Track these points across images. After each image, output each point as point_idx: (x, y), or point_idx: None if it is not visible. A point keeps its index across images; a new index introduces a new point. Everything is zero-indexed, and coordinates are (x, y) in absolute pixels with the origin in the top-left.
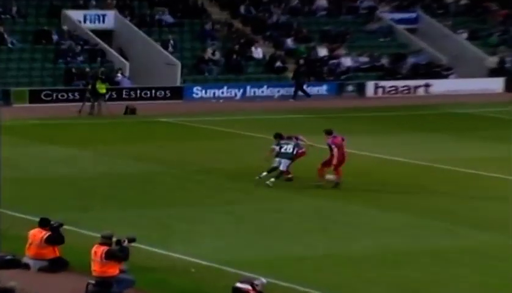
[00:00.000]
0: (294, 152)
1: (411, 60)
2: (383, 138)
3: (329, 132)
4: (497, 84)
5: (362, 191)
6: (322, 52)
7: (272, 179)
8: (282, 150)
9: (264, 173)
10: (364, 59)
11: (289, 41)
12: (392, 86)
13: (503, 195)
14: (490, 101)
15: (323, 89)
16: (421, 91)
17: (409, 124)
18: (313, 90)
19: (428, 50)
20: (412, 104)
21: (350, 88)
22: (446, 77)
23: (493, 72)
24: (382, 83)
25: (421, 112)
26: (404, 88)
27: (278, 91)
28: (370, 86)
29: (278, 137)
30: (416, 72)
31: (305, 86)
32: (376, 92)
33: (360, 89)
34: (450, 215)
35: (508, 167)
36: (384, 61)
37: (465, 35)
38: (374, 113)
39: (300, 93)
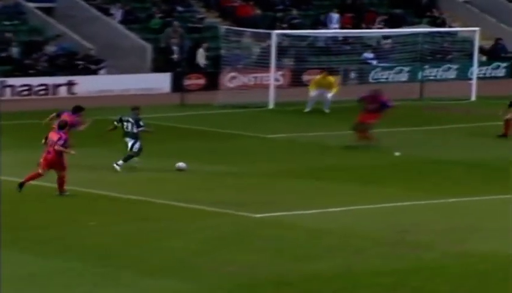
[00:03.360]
0: (135, 130)
1: (49, 49)
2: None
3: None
4: (163, 82)
5: None
6: None
7: (120, 162)
8: (125, 128)
9: (120, 162)
10: None
11: None
12: (24, 85)
13: (173, 227)
14: (155, 104)
15: None
16: (63, 92)
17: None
18: None
19: (71, 37)
20: (52, 108)
21: None
22: (95, 72)
23: (158, 67)
24: (11, 81)
25: None
26: (41, 88)
27: None
28: None
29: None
30: (56, 66)
31: None
32: (2, 93)
33: None
34: (109, 257)
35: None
36: (13, 51)
37: (118, 17)
38: None
39: None
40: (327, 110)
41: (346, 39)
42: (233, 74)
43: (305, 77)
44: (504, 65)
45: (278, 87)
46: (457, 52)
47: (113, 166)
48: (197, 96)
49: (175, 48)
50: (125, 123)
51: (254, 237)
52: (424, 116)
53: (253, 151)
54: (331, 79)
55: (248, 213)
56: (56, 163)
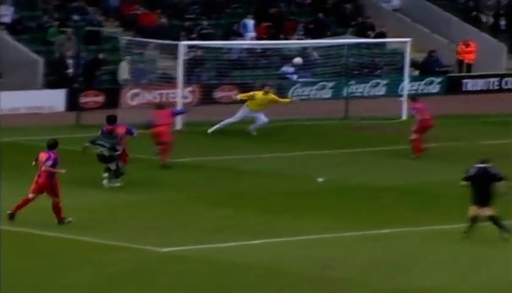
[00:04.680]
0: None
1: None
2: None
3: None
4: (56, 99)
5: None
6: None
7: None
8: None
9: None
10: None
11: None
12: None
13: None
14: (48, 124)
15: None
16: None
17: None
18: None
19: None
20: None
21: None
22: None
23: (51, 82)
24: None
25: None
26: None
27: None
28: None
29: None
30: None
31: None
32: None
33: None
34: None
35: None
36: None
37: (8, 18)
38: None
39: None
40: (254, 133)
41: (263, 52)
42: (135, 90)
43: (217, 94)
44: (439, 80)
45: (187, 105)
46: (386, 65)
47: (107, 185)
48: (94, 115)
49: (70, 61)
50: (100, 147)
51: (159, 274)
52: (350, 137)
53: (158, 177)
54: (273, 95)
55: (153, 247)
56: (47, 186)
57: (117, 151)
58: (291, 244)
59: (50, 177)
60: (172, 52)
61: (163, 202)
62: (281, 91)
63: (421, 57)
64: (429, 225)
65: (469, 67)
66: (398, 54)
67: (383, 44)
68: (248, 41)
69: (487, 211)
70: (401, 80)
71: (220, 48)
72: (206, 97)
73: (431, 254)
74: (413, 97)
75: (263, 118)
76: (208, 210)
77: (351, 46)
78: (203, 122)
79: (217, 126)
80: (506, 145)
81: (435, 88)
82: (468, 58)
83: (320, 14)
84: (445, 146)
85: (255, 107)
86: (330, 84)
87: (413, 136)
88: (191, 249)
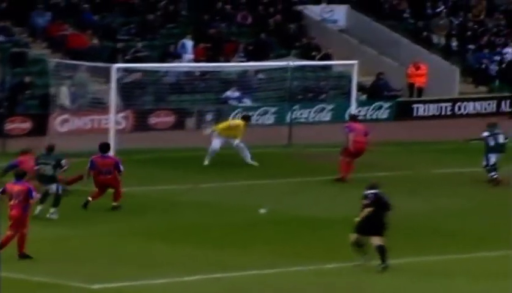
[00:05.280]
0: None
1: None
2: None
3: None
4: None
5: None
6: None
7: (52, 210)
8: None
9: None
10: None
11: None
12: None
13: None
14: None
15: None
16: None
17: None
18: None
19: None
20: None
21: None
22: None
23: None
24: None
25: None
26: None
27: None
28: None
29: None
30: None
31: None
32: None
33: None
34: None
35: None
36: None
37: None
38: None
39: None
40: (255, 163)
41: (202, 75)
42: (64, 116)
43: (153, 120)
44: (388, 104)
45: (120, 132)
46: (332, 89)
47: (50, 218)
48: (21, 142)
49: None
50: (42, 166)
51: None
52: (294, 166)
53: (89, 209)
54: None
55: (84, 284)
56: (21, 218)
57: (62, 166)
58: (232, 280)
59: (24, 209)
60: (104, 75)
61: (93, 235)
62: (221, 117)
63: (369, 80)
64: (374, 259)
65: (420, 91)
66: (345, 77)
67: (328, 66)
68: (186, 64)
69: (376, 240)
70: (348, 105)
71: (156, 71)
72: (141, 124)
73: (378, 290)
74: (353, 117)
75: (240, 144)
76: (142, 244)
77: (295, 69)
78: (137, 150)
79: (208, 156)
80: (459, 174)
81: (384, 114)
82: (419, 81)
83: (262, 35)
84: (395, 176)
85: (222, 132)
86: (273, 109)
87: (341, 157)
88: (124, 286)
